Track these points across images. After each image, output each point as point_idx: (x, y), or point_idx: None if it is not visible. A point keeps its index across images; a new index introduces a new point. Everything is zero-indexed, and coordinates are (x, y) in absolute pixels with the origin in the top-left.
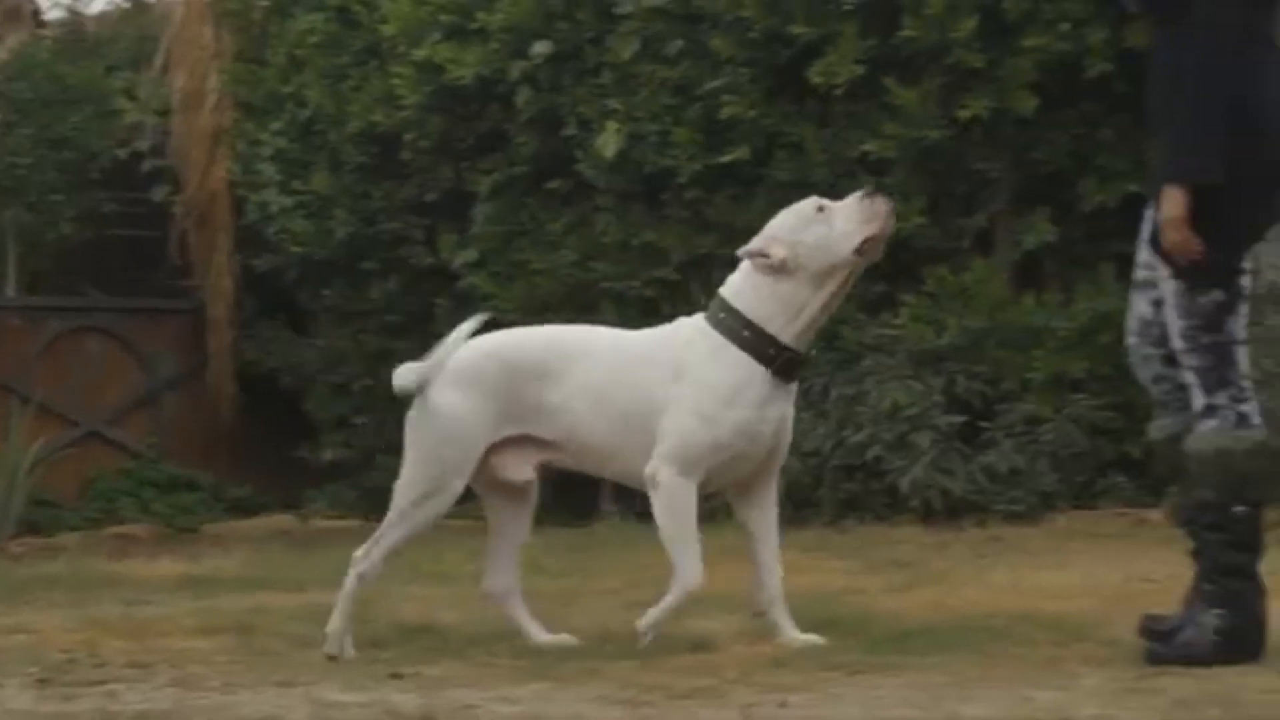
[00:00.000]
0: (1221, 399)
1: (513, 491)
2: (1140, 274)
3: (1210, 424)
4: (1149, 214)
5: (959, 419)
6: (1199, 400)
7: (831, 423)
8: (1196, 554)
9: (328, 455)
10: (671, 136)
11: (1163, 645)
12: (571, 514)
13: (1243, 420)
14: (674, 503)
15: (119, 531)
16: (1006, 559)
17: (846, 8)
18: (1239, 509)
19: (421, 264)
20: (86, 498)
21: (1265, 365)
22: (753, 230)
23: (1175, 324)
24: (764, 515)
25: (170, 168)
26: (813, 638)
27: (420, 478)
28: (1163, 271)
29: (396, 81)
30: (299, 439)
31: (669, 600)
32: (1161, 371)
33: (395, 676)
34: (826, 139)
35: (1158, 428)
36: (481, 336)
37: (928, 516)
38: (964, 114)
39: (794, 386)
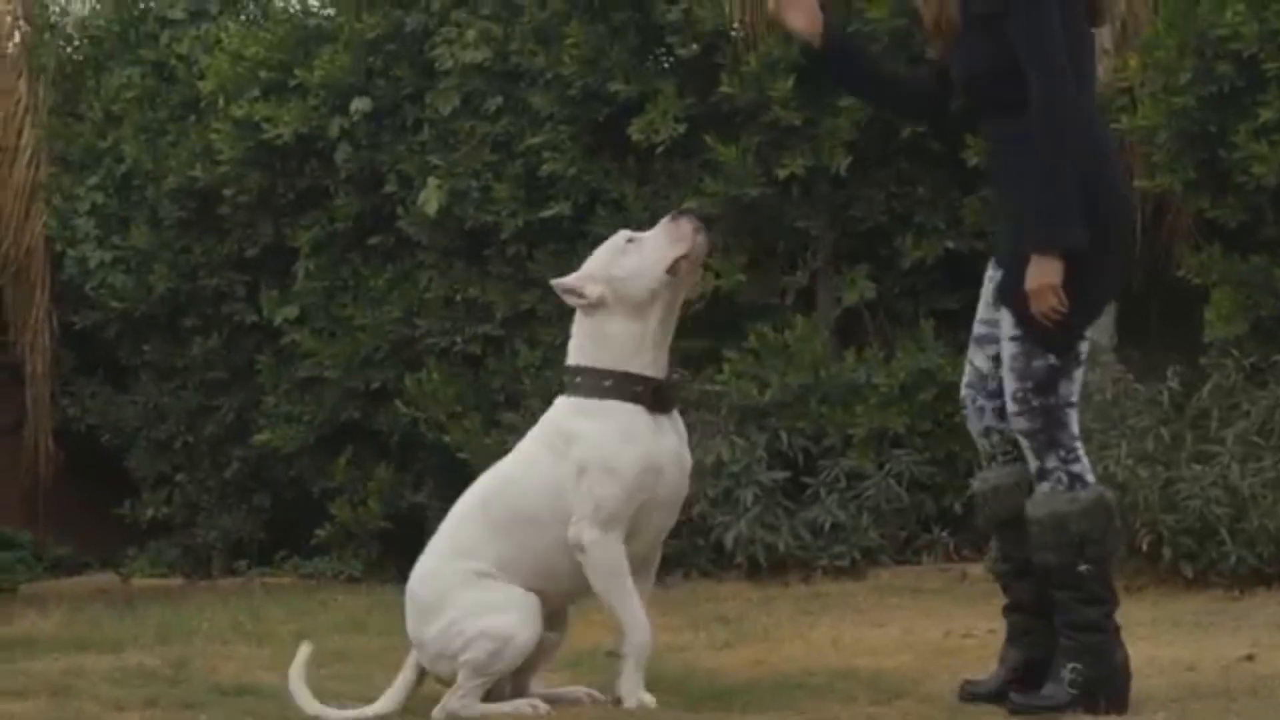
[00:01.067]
0: (1052, 462)
1: None
2: (979, 329)
3: (1044, 488)
4: (990, 273)
5: (782, 475)
6: (1032, 464)
7: None
8: (1007, 610)
9: (149, 513)
10: (492, 192)
11: (1023, 696)
12: (401, 571)
13: (1075, 481)
14: (604, 562)
15: None
16: (829, 615)
17: (665, 65)
18: (1084, 567)
19: (243, 320)
20: None
21: (1080, 420)
22: None
23: (1009, 385)
24: (645, 566)
25: None
26: (648, 698)
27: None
28: (1004, 331)
29: (215, 137)
30: (120, 496)
31: (629, 664)
32: (993, 424)
33: None
34: (647, 195)
35: (981, 479)
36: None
37: (753, 572)
38: (783, 172)
39: (677, 419)
